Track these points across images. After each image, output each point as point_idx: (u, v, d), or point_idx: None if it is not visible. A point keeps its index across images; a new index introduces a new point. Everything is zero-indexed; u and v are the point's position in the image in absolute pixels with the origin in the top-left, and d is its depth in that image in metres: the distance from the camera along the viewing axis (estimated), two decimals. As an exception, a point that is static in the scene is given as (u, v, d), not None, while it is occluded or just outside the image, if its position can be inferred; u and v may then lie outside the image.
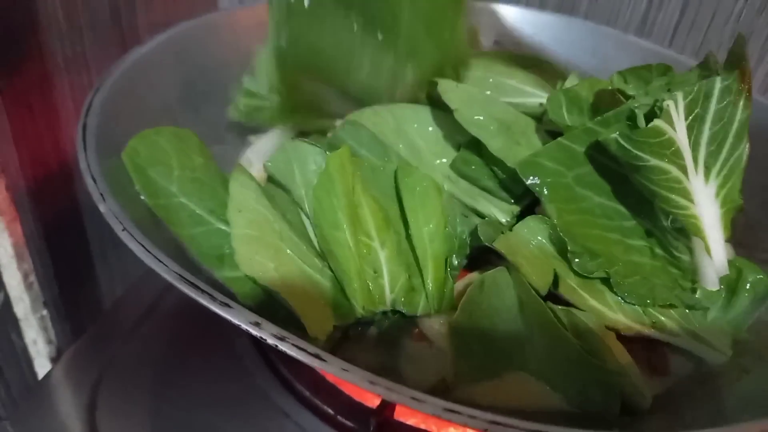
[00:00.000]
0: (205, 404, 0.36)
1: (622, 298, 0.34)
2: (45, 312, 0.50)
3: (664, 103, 0.34)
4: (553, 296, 0.33)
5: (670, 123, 0.34)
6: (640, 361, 0.33)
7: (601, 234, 0.37)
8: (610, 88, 0.40)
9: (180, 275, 0.24)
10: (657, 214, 0.37)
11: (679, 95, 0.34)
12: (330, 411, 0.35)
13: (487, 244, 0.32)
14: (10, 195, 0.43)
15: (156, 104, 0.42)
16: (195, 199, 0.34)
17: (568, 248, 0.34)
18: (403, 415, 0.35)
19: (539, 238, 0.35)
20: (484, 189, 0.40)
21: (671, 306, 0.35)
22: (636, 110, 0.35)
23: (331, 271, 0.33)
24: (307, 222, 0.37)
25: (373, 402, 0.36)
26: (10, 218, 0.44)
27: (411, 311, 0.32)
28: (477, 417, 0.21)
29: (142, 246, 0.26)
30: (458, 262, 0.34)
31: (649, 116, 0.34)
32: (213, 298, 0.23)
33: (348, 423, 0.35)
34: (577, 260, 0.34)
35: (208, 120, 0.44)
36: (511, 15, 0.56)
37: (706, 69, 0.39)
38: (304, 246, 0.34)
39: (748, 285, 0.37)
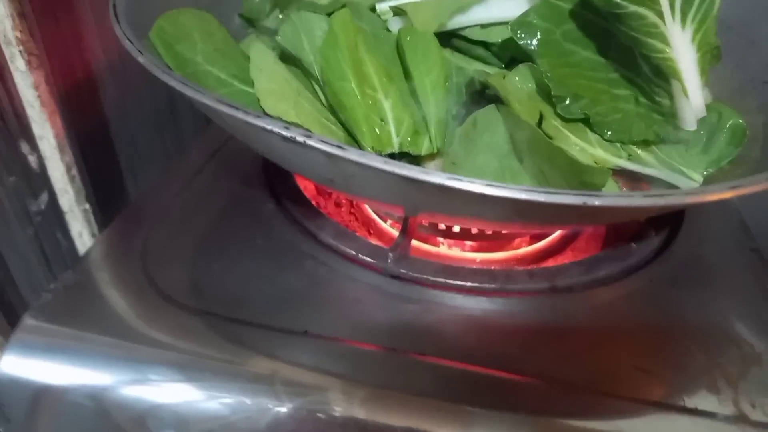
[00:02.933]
0: (245, 256, 0.41)
1: (601, 136, 0.38)
2: (88, 206, 0.55)
3: None
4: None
5: (647, -31, 0.37)
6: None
7: (588, 84, 0.40)
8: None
9: (220, 100, 0.28)
10: (639, 65, 0.40)
11: None
12: (352, 252, 0.40)
13: (482, 82, 0.36)
14: (49, 88, 0.47)
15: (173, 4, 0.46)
16: (218, 66, 0.38)
17: (553, 93, 0.38)
18: (417, 252, 0.40)
19: (528, 84, 0.38)
20: (476, 58, 0.44)
21: (648, 142, 0.39)
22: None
23: (342, 125, 0.38)
24: (317, 89, 0.41)
25: (388, 242, 0.40)
26: (51, 110, 0.48)
27: (416, 151, 0.37)
28: (475, 182, 0.25)
29: (184, 83, 0.30)
30: (456, 111, 0.38)
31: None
32: (248, 113, 0.27)
33: (368, 259, 0.39)
34: (561, 104, 0.38)
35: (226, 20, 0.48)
36: None
37: None
38: (318, 103, 0.38)
39: (726, 127, 0.41)
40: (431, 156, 0.38)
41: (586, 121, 0.38)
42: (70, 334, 0.35)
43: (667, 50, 0.38)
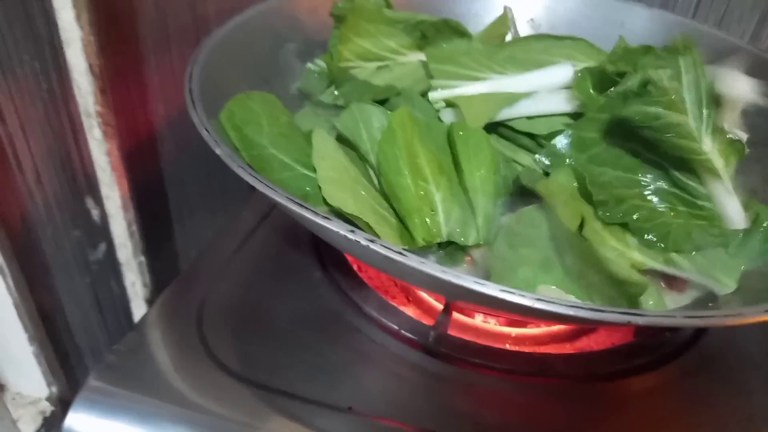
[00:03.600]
0: (292, 325, 0.43)
1: (640, 242, 0.40)
2: (143, 258, 0.59)
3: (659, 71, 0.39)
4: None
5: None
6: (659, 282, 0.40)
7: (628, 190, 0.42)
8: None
9: (289, 197, 0.31)
10: (675, 175, 0.42)
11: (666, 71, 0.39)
12: (394, 326, 0.42)
13: (528, 186, 0.38)
14: (120, 154, 0.51)
15: (238, 77, 0.49)
16: (283, 150, 0.41)
17: (594, 198, 0.39)
18: (456, 330, 0.42)
19: (572, 184, 0.41)
20: (522, 146, 0.46)
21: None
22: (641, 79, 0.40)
23: (395, 212, 0.40)
24: (371, 173, 0.43)
25: (431, 320, 0.42)
26: (119, 173, 0.52)
27: (464, 242, 0.39)
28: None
29: (257, 179, 0.33)
30: (502, 202, 0.41)
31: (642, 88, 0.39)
32: (316, 213, 0.30)
33: (410, 336, 0.41)
34: (603, 208, 0.39)
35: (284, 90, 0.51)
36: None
37: (672, 50, 0.44)
38: (373, 190, 0.41)
39: (763, 227, 0.42)
40: (477, 245, 0.40)
41: (624, 225, 0.40)
42: (128, 396, 0.38)
43: (705, 153, 0.40)
